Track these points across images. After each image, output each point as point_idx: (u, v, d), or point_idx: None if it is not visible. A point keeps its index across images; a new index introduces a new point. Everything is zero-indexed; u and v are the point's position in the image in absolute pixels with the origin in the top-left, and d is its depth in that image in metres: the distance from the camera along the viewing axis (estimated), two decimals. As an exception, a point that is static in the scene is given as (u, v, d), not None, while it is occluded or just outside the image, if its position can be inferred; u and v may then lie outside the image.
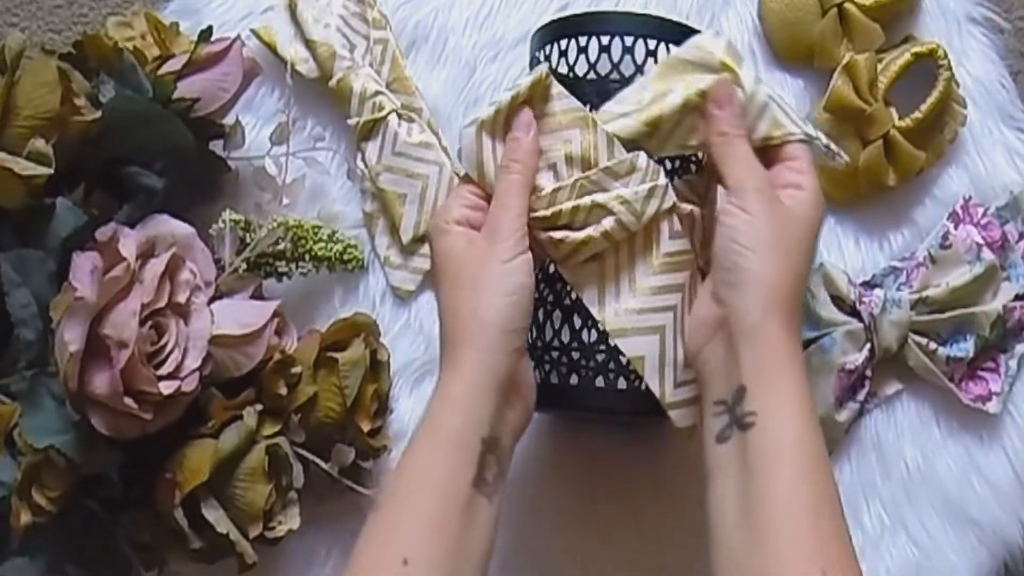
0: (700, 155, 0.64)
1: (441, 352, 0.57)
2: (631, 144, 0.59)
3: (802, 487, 0.50)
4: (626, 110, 0.60)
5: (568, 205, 0.58)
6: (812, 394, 0.54)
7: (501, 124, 0.60)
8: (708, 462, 0.54)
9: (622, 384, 0.62)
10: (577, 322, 0.64)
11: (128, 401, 0.59)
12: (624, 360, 0.61)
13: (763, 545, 0.49)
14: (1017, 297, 0.71)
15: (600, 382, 0.63)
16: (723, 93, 0.58)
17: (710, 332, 0.56)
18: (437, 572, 0.51)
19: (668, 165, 0.63)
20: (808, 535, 0.49)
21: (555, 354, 0.64)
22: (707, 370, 0.56)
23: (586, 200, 0.58)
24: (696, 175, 0.64)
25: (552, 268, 0.64)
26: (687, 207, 0.61)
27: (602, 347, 0.62)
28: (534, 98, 0.60)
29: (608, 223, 0.58)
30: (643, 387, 0.61)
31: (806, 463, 0.51)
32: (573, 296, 0.62)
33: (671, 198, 0.59)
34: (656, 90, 0.60)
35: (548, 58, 0.66)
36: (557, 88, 0.60)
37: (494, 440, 0.55)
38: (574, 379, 0.63)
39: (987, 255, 0.70)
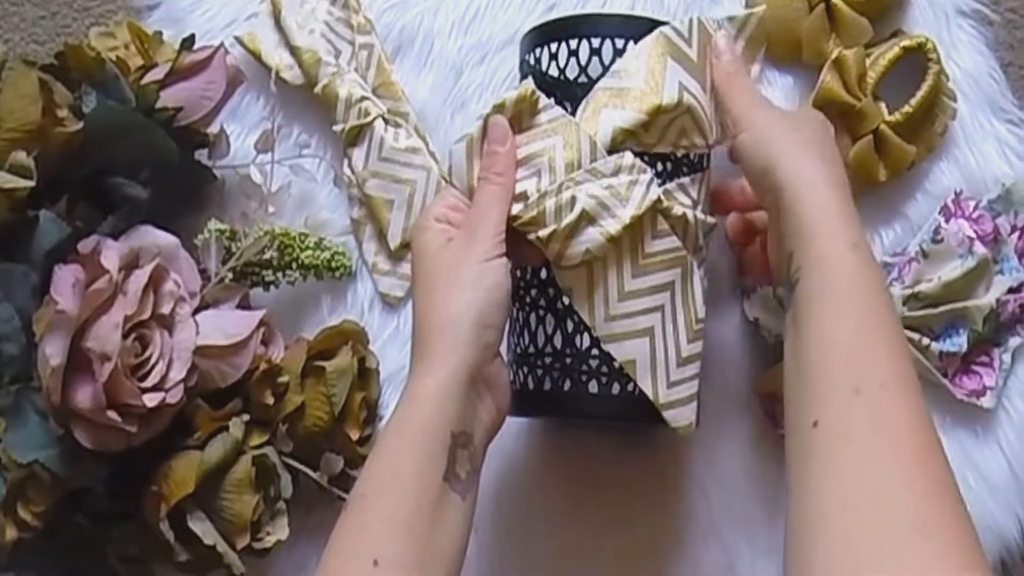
0: (692, 158, 0.64)
1: (412, 349, 0.56)
2: (628, 136, 0.60)
3: (837, 326, 0.51)
4: (624, 85, 0.61)
5: (551, 203, 0.58)
6: (864, 240, 0.54)
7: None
8: (785, 339, 0.55)
9: (616, 389, 0.62)
10: (569, 327, 0.63)
11: (112, 414, 0.59)
12: (617, 364, 0.60)
13: (802, 385, 0.51)
14: (1010, 290, 0.70)
15: (593, 387, 0.62)
16: (723, 43, 0.63)
17: (770, 237, 0.61)
18: (407, 571, 0.50)
19: (659, 168, 0.62)
20: (843, 362, 0.49)
21: (548, 360, 0.64)
22: (776, 265, 0.60)
23: (567, 194, 0.58)
24: (689, 179, 0.63)
25: (544, 274, 0.64)
26: (680, 209, 0.61)
27: (595, 352, 0.62)
28: (522, 113, 0.60)
29: (590, 204, 0.58)
30: (636, 392, 0.60)
31: (846, 302, 0.51)
32: (565, 301, 0.62)
33: (656, 192, 0.59)
34: (649, 67, 0.61)
35: (538, 61, 0.65)
36: (544, 101, 0.60)
37: (465, 435, 0.55)
38: (567, 385, 0.63)
39: (979, 249, 0.69)
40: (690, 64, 0.62)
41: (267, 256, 0.71)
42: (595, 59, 0.63)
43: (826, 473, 0.47)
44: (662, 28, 0.62)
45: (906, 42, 0.72)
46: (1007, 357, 0.71)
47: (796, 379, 0.52)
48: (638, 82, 0.60)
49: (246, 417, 0.66)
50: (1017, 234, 0.72)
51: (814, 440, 0.48)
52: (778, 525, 0.70)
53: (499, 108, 0.60)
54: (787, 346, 0.54)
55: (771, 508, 0.72)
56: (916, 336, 0.69)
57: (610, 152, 0.60)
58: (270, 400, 0.66)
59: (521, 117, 0.60)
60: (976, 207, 0.71)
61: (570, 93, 0.62)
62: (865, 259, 0.53)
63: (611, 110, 0.60)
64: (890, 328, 0.51)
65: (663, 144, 0.61)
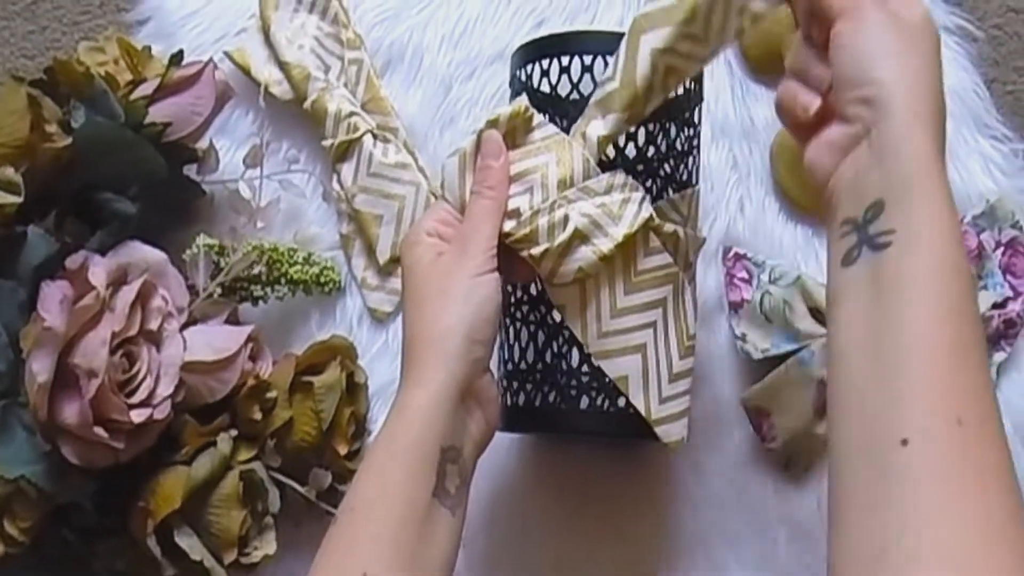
0: (682, 176, 0.64)
1: (402, 363, 0.56)
2: (609, 140, 0.59)
3: (944, 325, 0.43)
4: (606, 91, 0.59)
5: (544, 221, 0.58)
6: (955, 217, 0.47)
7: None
8: (833, 287, 0.49)
9: (607, 405, 0.62)
10: (561, 343, 0.63)
11: (99, 430, 0.59)
12: (608, 381, 0.60)
13: (890, 380, 0.43)
14: (994, 306, 0.70)
15: (585, 403, 0.62)
16: None
17: (839, 155, 0.50)
18: None
19: (650, 184, 0.63)
20: (944, 380, 0.43)
21: (539, 376, 0.64)
22: (836, 193, 0.50)
23: (560, 212, 0.58)
24: (679, 196, 0.63)
25: (535, 290, 0.64)
26: (671, 227, 0.61)
27: (586, 368, 0.62)
28: (516, 130, 0.60)
29: (582, 223, 0.58)
30: (628, 408, 0.60)
31: (951, 296, 0.44)
32: (556, 317, 0.62)
33: (648, 210, 0.59)
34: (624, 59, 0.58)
35: (529, 77, 0.65)
36: (538, 118, 0.60)
37: (455, 450, 0.55)
38: (558, 401, 0.63)
39: (964, 265, 0.69)
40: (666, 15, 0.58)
41: (256, 271, 0.71)
42: (587, 76, 0.63)
43: (918, 506, 0.41)
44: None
45: (891, 59, 0.72)
46: (991, 372, 0.71)
47: (880, 375, 0.44)
48: (615, 81, 0.59)
49: (234, 432, 0.66)
50: (1001, 250, 0.72)
51: (901, 461, 0.42)
52: (766, 538, 0.71)
53: (493, 123, 0.60)
54: (858, 322, 0.46)
55: (759, 522, 0.72)
56: (902, 351, 0.69)
57: (602, 164, 0.60)
58: (258, 415, 0.66)
59: (515, 133, 0.60)
60: (961, 223, 0.72)
61: (562, 110, 0.63)
62: (964, 256, 0.46)
63: (596, 122, 0.60)
64: (983, 341, 0.45)
65: (653, 103, 0.59)
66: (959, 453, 0.42)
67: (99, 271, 0.61)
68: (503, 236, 0.58)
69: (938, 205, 0.46)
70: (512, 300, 0.65)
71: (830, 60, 0.50)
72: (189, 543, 0.62)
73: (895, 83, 0.48)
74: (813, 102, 0.52)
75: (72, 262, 0.62)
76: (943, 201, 0.46)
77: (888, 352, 0.44)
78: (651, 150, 0.63)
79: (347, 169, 0.75)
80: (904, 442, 0.42)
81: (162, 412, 0.62)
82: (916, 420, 0.42)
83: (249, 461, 0.66)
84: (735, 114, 0.77)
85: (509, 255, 0.59)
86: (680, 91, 0.62)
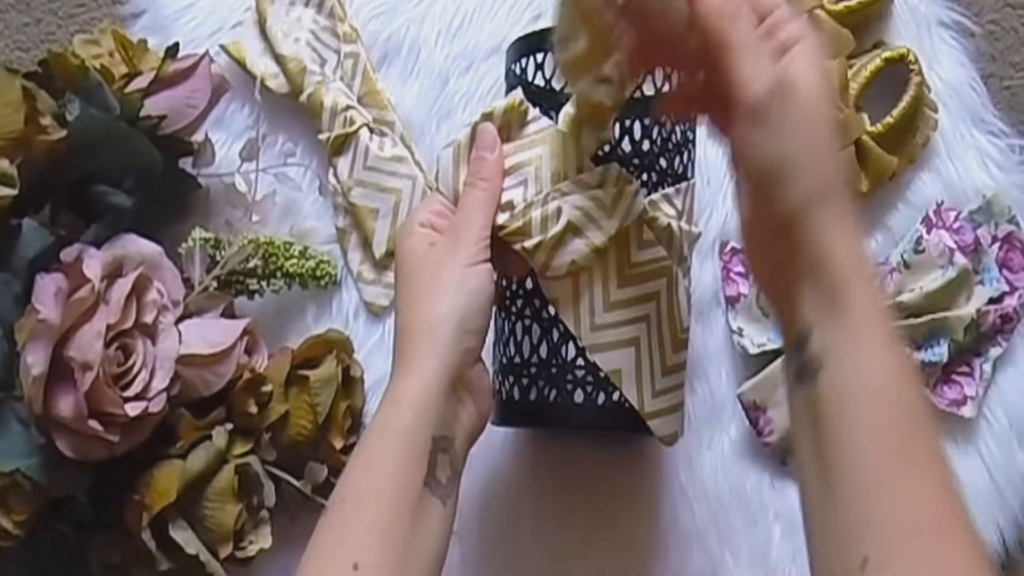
0: (678, 169, 0.64)
1: (394, 354, 0.56)
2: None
3: (885, 437, 0.44)
4: None
5: (538, 213, 0.58)
6: (886, 322, 0.46)
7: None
8: (790, 406, 0.49)
9: (601, 399, 0.62)
10: (555, 337, 0.63)
11: (94, 423, 0.59)
12: (602, 374, 0.60)
13: (841, 506, 0.44)
14: (991, 301, 0.70)
15: (579, 397, 0.62)
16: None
17: (769, 247, 0.50)
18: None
19: (645, 178, 0.63)
20: (888, 494, 0.43)
21: (534, 370, 0.64)
22: (775, 315, 0.51)
23: (553, 205, 0.58)
24: (674, 190, 0.63)
25: (530, 284, 0.64)
26: (665, 220, 0.61)
27: (580, 362, 0.62)
28: (511, 123, 0.60)
29: (575, 215, 0.58)
30: (623, 401, 0.60)
31: (887, 407, 0.44)
32: (551, 311, 0.62)
33: (641, 203, 0.59)
34: None
35: (524, 71, 0.65)
36: (532, 112, 0.60)
37: (446, 440, 0.54)
38: (553, 394, 0.63)
39: (960, 259, 0.69)
40: None
41: (251, 265, 0.71)
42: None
43: None
44: None
45: (888, 53, 0.72)
46: (988, 367, 0.71)
47: (829, 498, 0.45)
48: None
49: (229, 426, 0.66)
50: (998, 245, 0.72)
51: None
52: (760, 533, 0.71)
53: (488, 117, 0.60)
54: (807, 447, 0.47)
55: (754, 516, 0.72)
56: (897, 346, 0.70)
57: (596, 158, 0.60)
58: (254, 409, 0.66)
59: (509, 127, 0.60)
60: (957, 218, 0.72)
61: (556, 103, 0.63)
62: (903, 357, 0.46)
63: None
64: (933, 442, 0.45)
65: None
66: (923, 563, 0.42)
67: (94, 264, 0.61)
68: (497, 229, 0.58)
69: (863, 313, 0.45)
70: (507, 294, 0.65)
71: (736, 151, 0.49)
72: (184, 537, 0.62)
73: (804, 197, 0.46)
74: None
75: (67, 255, 0.62)
76: (867, 307, 0.46)
77: (834, 477, 0.45)
78: (647, 144, 0.63)
79: (343, 163, 0.75)
80: (864, 562, 0.43)
81: (157, 405, 0.62)
82: (873, 540, 0.43)
83: (245, 455, 0.66)
84: (732, 108, 0.77)
85: (503, 248, 0.59)
86: None
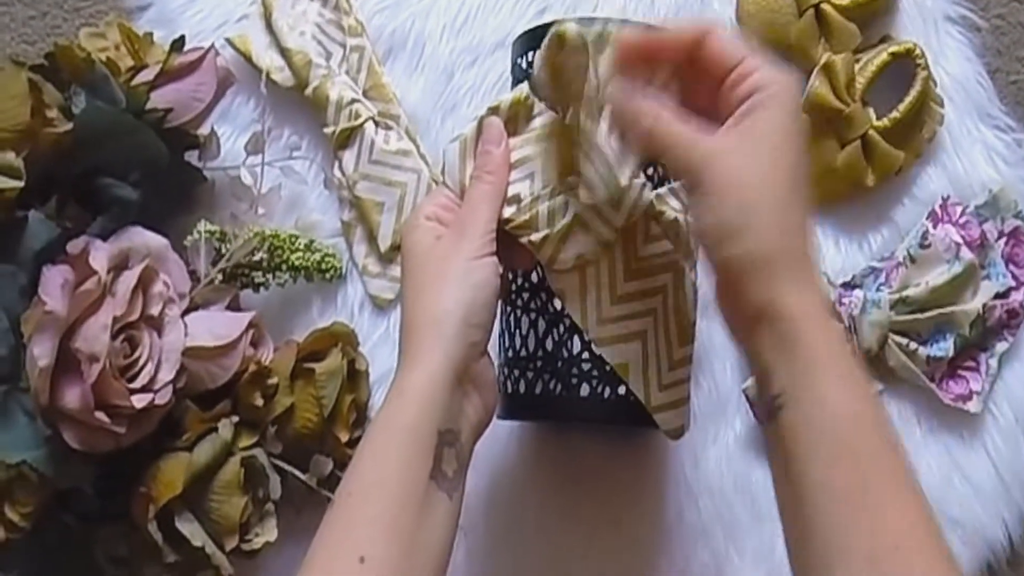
0: None
1: (400, 347, 0.56)
2: None
3: (834, 472, 0.46)
4: None
5: (544, 207, 0.58)
6: (842, 359, 0.48)
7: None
8: (765, 441, 0.52)
9: (607, 392, 0.62)
10: (561, 331, 0.63)
11: (100, 415, 0.59)
12: (608, 368, 0.60)
13: (808, 539, 0.47)
14: (997, 296, 0.70)
15: (585, 391, 0.62)
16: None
17: (732, 318, 0.53)
18: (393, 570, 0.50)
19: (651, 172, 0.62)
20: (848, 526, 0.45)
21: (539, 363, 0.64)
22: (749, 362, 0.53)
23: (560, 199, 0.58)
24: (680, 184, 0.63)
25: (536, 277, 0.64)
26: (672, 214, 0.61)
27: (586, 355, 0.62)
28: (517, 117, 0.60)
29: (582, 209, 0.58)
30: (628, 395, 0.60)
31: (839, 443, 0.46)
32: (557, 305, 0.62)
33: (648, 197, 0.59)
34: None
35: (530, 65, 0.65)
36: (538, 106, 0.60)
37: (452, 433, 0.54)
38: (559, 388, 0.63)
39: (966, 254, 0.69)
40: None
41: (257, 258, 0.71)
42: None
43: None
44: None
45: (894, 48, 0.72)
46: (993, 362, 0.71)
47: (799, 534, 0.48)
48: None
49: (235, 419, 0.66)
50: (1004, 239, 0.72)
51: None
52: (765, 529, 0.71)
53: (494, 110, 0.60)
54: (778, 489, 0.50)
55: (759, 512, 0.72)
56: (904, 340, 0.69)
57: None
58: (259, 402, 0.66)
59: (516, 121, 0.60)
60: (963, 212, 0.72)
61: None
62: (863, 391, 0.48)
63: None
64: (896, 473, 0.47)
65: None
66: None
67: (100, 256, 0.61)
68: (503, 222, 0.58)
69: (816, 353, 0.48)
70: (513, 288, 0.65)
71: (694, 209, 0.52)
72: (190, 529, 0.62)
73: (743, 259, 0.49)
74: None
75: (73, 247, 0.62)
76: (822, 347, 0.48)
77: (801, 508, 0.47)
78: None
79: (349, 156, 0.75)
80: None
81: (163, 397, 0.62)
82: (833, 566, 0.45)
83: (250, 447, 0.66)
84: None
85: (510, 242, 0.59)
86: None
